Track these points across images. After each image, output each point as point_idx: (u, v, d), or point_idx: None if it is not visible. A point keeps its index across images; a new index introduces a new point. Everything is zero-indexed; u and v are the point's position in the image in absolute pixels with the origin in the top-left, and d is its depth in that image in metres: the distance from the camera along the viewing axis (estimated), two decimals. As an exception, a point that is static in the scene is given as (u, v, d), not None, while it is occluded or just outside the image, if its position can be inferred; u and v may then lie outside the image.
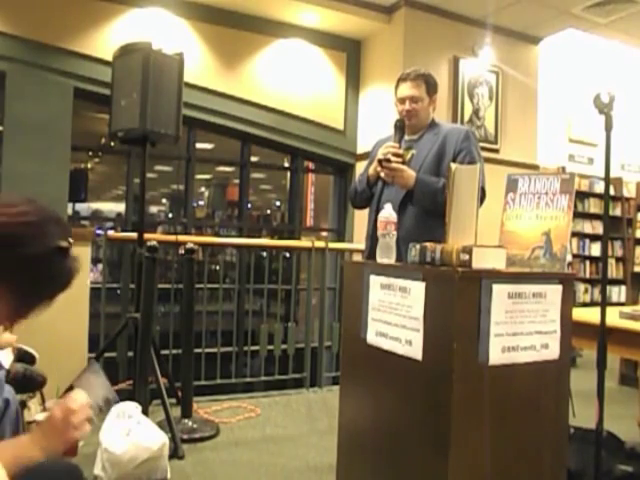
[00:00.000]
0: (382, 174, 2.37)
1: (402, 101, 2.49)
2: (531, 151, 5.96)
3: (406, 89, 2.49)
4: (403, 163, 2.37)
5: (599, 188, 6.58)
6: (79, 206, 6.38)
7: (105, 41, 4.57)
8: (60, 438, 1.18)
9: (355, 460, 1.93)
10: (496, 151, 5.66)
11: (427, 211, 2.31)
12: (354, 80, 5.80)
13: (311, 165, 6.33)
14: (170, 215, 10.93)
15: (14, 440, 1.22)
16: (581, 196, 6.47)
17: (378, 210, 2.33)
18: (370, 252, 2.41)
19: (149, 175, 3.08)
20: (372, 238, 2.39)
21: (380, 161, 2.33)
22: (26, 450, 1.15)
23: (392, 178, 2.35)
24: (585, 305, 5.84)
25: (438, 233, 1.93)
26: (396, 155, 2.33)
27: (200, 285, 3.85)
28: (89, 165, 9.18)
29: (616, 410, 3.23)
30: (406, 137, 2.49)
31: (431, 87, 2.51)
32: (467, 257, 1.57)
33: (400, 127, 2.43)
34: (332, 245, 4.44)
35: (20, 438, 1.20)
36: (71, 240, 1.17)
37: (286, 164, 6.29)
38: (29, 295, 1.13)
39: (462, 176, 1.79)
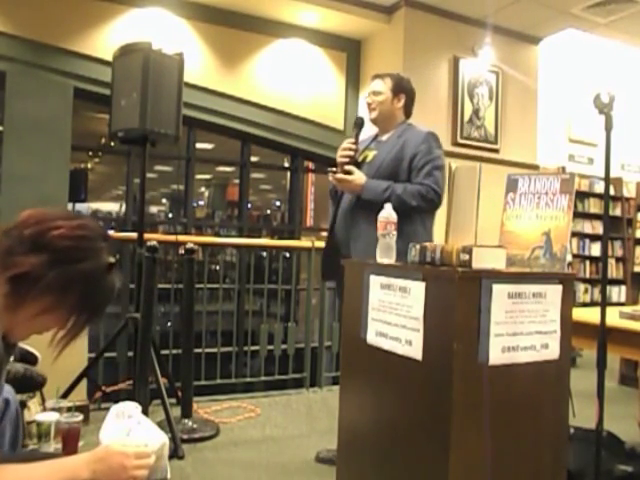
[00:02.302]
0: (333, 182, 2.48)
1: (368, 95, 2.59)
2: (531, 151, 5.96)
3: (372, 85, 2.59)
4: (357, 163, 2.46)
5: (599, 188, 6.58)
6: (79, 206, 6.38)
7: (105, 41, 4.57)
8: (114, 475, 1.19)
9: (355, 460, 1.93)
10: (496, 151, 5.66)
11: (376, 211, 2.33)
12: (354, 80, 5.80)
13: (311, 165, 6.34)
14: (170, 215, 10.93)
15: (72, 457, 1.25)
16: (581, 196, 6.46)
17: (338, 207, 2.52)
18: (327, 245, 2.59)
19: (149, 175, 3.08)
20: (330, 232, 2.56)
21: (330, 172, 2.44)
22: (77, 469, 1.17)
23: (341, 187, 2.47)
24: (585, 305, 5.84)
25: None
26: (350, 150, 2.45)
27: (200, 285, 3.84)
28: (89, 165, 9.19)
29: (616, 410, 3.23)
30: (379, 138, 2.58)
31: (397, 85, 2.56)
32: (467, 257, 1.57)
33: (359, 124, 2.54)
34: (332, 245, 4.43)
35: (77, 456, 1.23)
36: (117, 256, 1.23)
37: (286, 164, 6.29)
38: (83, 310, 1.16)
39: (462, 176, 1.79)
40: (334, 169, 2.44)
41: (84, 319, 1.16)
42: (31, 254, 1.09)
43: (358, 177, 2.40)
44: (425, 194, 2.32)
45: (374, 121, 2.58)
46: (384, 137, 2.56)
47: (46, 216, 1.14)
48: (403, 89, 2.57)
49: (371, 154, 2.52)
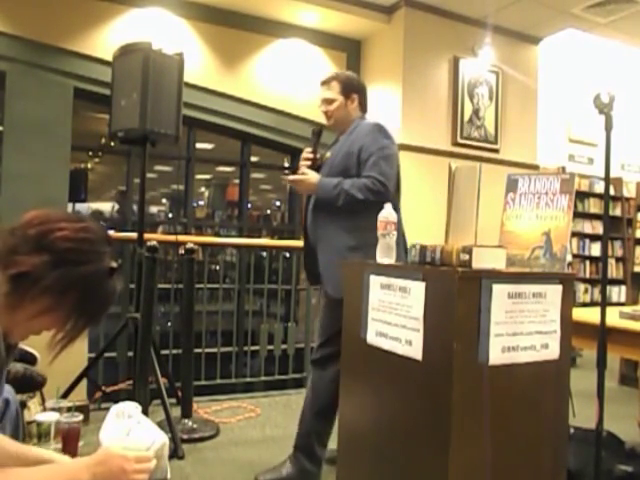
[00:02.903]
0: (289, 184, 2.55)
1: (321, 104, 2.58)
2: (531, 151, 5.96)
3: (321, 92, 2.57)
4: (317, 167, 2.49)
5: (599, 188, 6.58)
6: (79, 206, 6.37)
7: (105, 41, 4.57)
8: (114, 479, 1.19)
9: (355, 460, 1.93)
10: (496, 151, 5.66)
11: (335, 209, 2.37)
12: (354, 80, 5.79)
13: (311, 165, 6.32)
14: (170, 215, 10.92)
15: (73, 460, 1.25)
16: (581, 196, 6.47)
17: (307, 207, 2.54)
18: (304, 250, 2.60)
19: (149, 175, 3.08)
20: (304, 230, 2.58)
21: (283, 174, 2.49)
22: (78, 473, 1.17)
23: (296, 188, 2.52)
24: (585, 305, 5.84)
25: (346, 230, 2.31)
26: (308, 159, 2.49)
27: (200, 285, 3.85)
28: (89, 165, 9.18)
29: (616, 410, 3.23)
30: (338, 138, 2.59)
31: (346, 86, 2.53)
32: (467, 257, 1.57)
33: (316, 133, 2.55)
34: (332, 245, 4.43)
35: (77, 459, 1.23)
36: (119, 261, 1.22)
37: (286, 164, 6.29)
38: (81, 313, 1.15)
39: (462, 176, 1.79)
40: (287, 172, 2.48)
41: (82, 322, 1.16)
42: (33, 254, 1.09)
43: (311, 177, 2.41)
44: (371, 186, 2.29)
45: (332, 127, 2.58)
46: (341, 137, 2.57)
47: (50, 217, 1.14)
48: (353, 88, 2.55)
49: (328, 154, 2.55)
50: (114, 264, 1.18)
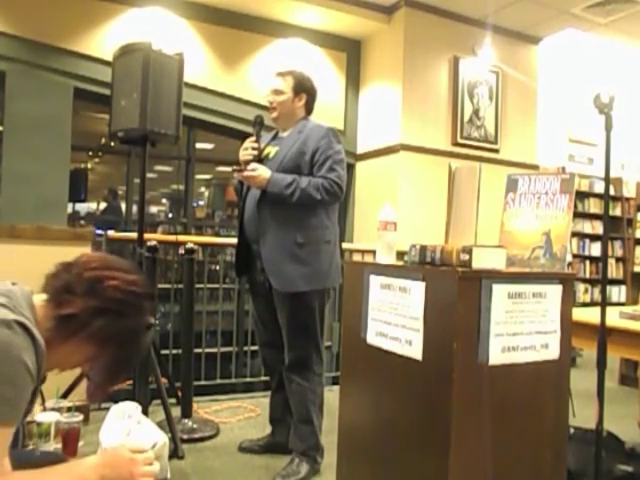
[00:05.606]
0: (240, 179, 2.50)
1: (269, 93, 2.58)
2: (531, 151, 5.96)
3: (273, 82, 2.57)
4: (260, 160, 2.47)
5: (599, 188, 6.58)
6: (79, 206, 6.38)
7: (105, 41, 4.58)
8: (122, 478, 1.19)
9: (355, 460, 1.93)
10: (496, 151, 5.66)
11: (282, 205, 2.40)
12: (354, 80, 5.80)
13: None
14: (170, 215, 10.92)
15: (81, 461, 1.25)
16: (581, 196, 6.47)
17: (245, 204, 2.54)
18: (238, 241, 2.59)
19: (149, 175, 3.08)
20: (240, 229, 2.57)
21: (234, 170, 2.46)
22: (86, 474, 1.17)
23: (248, 183, 2.48)
24: (585, 305, 5.84)
25: (294, 226, 2.35)
26: (252, 148, 2.47)
27: (200, 285, 3.84)
28: (89, 165, 9.19)
29: (616, 410, 3.23)
30: (280, 135, 2.61)
31: (299, 85, 2.57)
32: (467, 257, 1.57)
33: (259, 122, 2.54)
34: (332, 245, 4.43)
35: (86, 460, 1.22)
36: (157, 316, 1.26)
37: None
38: (119, 365, 1.19)
39: (462, 176, 1.79)
40: (238, 167, 2.45)
41: (118, 374, 1.20)
42: (85, 297, 1.12)
43: (263, 172, 2.41)
44: (329, 188, 2.38)
45: (275, 120, 2.59)
46: (284, 134, 2.58)
47: (107, 264, 1.18)
48: (304, 88, 2.59)
49: (273, 150, 2.54)
50: (152, 320, 1.23)
